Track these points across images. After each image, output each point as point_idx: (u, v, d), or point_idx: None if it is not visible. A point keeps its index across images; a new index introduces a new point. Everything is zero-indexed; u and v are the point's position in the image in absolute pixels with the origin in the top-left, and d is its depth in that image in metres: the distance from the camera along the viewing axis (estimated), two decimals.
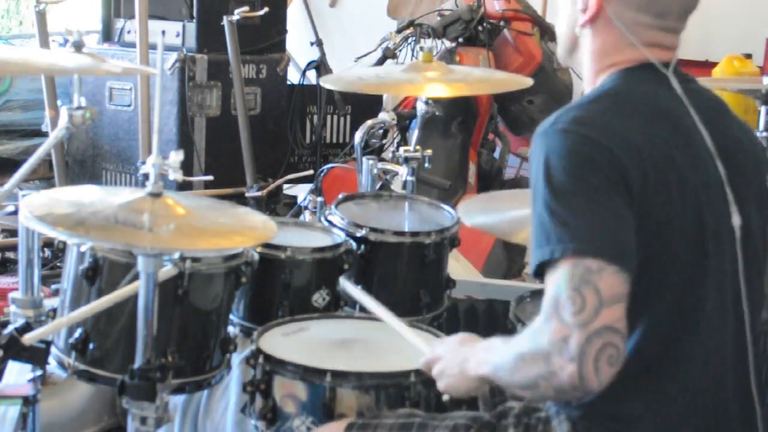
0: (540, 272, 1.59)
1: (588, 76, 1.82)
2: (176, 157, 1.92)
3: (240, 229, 2.05)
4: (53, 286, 3.41)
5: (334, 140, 5.48)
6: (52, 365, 2.17)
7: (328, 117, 5.44)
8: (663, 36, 1.77)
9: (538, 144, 1.64)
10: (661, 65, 1.76)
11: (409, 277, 2.68)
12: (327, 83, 3.15)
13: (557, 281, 1.54)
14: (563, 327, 1.51)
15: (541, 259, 1.57)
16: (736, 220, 1.71)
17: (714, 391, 1.69)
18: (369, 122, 3.33)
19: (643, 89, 1.74)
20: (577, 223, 1.55)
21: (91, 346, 2.13)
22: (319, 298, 2.50)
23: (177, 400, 2.69)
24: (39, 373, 2.26)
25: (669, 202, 1.64)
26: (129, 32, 4.92)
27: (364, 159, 3.15)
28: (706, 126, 1.74)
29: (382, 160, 3.21)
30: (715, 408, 1.70)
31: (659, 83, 1.76)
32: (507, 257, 4.37)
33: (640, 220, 1.60)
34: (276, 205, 4.48)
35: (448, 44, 4.89)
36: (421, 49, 3.06)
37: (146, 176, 1.93)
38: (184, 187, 2.57)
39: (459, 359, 1.79)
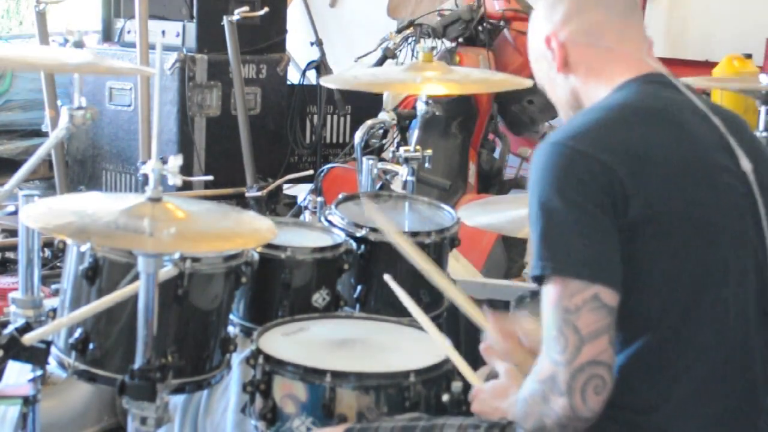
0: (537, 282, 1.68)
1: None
2: (175, 162, 1.92)
3: (241, 232, 2.05)
4: (53, 286, 3.40)
5: (334, 140, 5.48)
6: (52, 365, 2.17)
7: (328, 117, 5.44)
8: (628, 30, 1.78)
9: (534, 160, 1.69)
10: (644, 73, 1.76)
11: (408, 277, 2.66)
12: (329, 83, 3.14)
13: (545, 313, 1.64)
14: (552, 365, 1.62)
15: (533, 274, 1.66)
16: (746, 165, 1.72)
17: (738, 366, 1.69)
18: (369, 122, 3.33)
19: (635, 93, 1.74)
20: (560, 243, 1.63)
21: (91, 346, 2.13)
22: (319, 298, 2.50)
23: (177, 400, 2.69)
24: (39, 373, 2.26)
25: (680, 195, 1.66)
26: (129, 32, 4.92)
27: (364, 159, 3.14)
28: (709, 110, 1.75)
29: (382, 160, 3.21)
30: (740, 383, 1.70)
31: (647, 83, 1.76)
32: (507, 257, 4.37)
33: (646, 219, 1.63)
34: (276, 205, 4.48)
35: (448, 44, 4.89)
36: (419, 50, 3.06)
37: (146, 177, 1.93)
38: (184, 187, 2.57)
39: (497, 401, 1.84)
